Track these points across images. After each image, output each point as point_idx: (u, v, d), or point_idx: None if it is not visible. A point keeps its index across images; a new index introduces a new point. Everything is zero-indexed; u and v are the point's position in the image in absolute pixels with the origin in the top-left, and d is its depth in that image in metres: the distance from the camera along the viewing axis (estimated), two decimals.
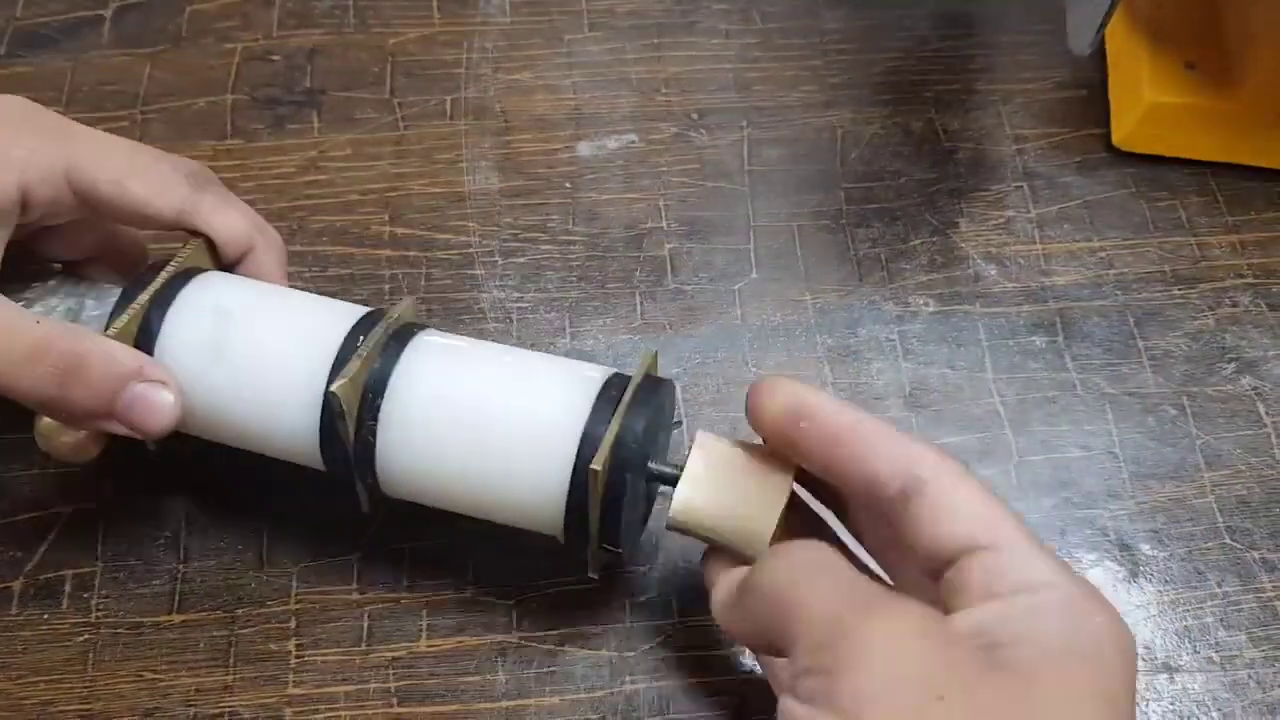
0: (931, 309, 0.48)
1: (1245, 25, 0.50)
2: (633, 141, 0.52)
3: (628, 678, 0.39)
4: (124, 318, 0.37)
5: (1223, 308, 0.48)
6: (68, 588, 0.41)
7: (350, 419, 0.36)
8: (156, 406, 0.36)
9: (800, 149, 0.52)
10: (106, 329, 0.37)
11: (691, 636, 0.40)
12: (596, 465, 0.34)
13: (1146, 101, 0.50)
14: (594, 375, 0.36)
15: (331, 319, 0.38)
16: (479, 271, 0.48)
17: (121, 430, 0.36)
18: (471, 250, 0.49)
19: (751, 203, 0.50)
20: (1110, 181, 0.51)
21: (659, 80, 0.54)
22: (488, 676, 0.39)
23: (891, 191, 0.51)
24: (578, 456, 0.35)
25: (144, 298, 0.38)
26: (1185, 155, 0.51)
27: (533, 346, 0.46)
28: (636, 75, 0.54)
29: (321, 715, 0.39)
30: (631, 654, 0.40)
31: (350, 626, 0.40)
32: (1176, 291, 0.48)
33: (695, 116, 0.53)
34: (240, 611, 0.41)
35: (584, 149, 0.52)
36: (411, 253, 0.49)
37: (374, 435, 0.36)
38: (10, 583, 0.41)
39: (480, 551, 0.42)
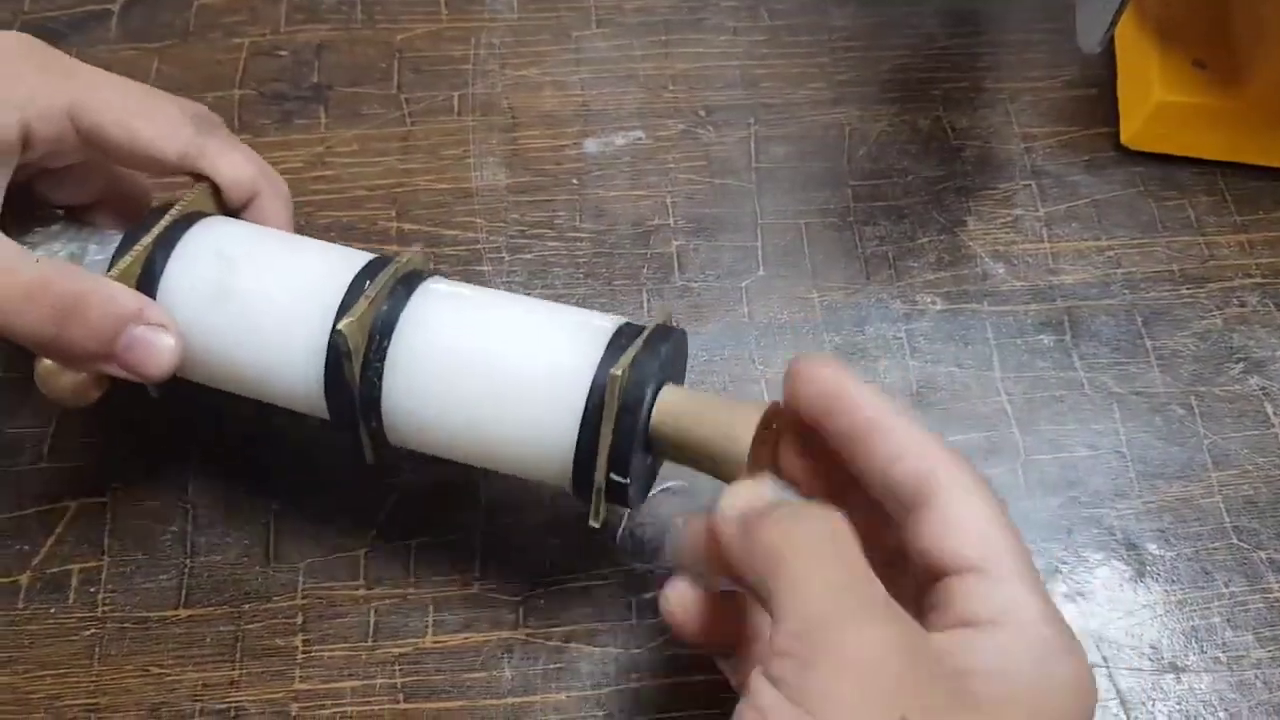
0: (939, 307, 0.47)
1: (1255, 24, 0.50)
2: (640, 138, 0.52)
3: (634, 675, 0.39)
4: (127, 259, 0.37)
5: (1231, 307, 0.48)
6: (74, 582, 0.41)
7: (356, 361, 0.35)
8: (156, 349, 0.36)
9: (808, 146, 0.52)
10: (109, 270, 0.37)
11: None
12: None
13: (1155, 100, 0.50)
14: (605, 324, 0.36)
15: (338, 264, 0.37)
16: (486, 268, 0.48)
17: (120, 373, 0.36)
18: (478, 246, 0.49)
19: (759, 200, 0.50)
20: (1118, 180, 0.51)
21: (666, 77, 0.54)
22: (494, 673, 0.39)
23: (899, 189, 0.51)
24: (590, 393, 0.34)
25: (147, 240, 0.37)
26: (1194, 154, 0.51)
27: None
28: (644, 72, 0.54)
29: (328, 711, 0.39)
30: (638, 651, 0.40)
31: (357, 622, 0.40)
32: (1184, 291, 0.48)
33: (703, 113, 0.53)
34: (247, 606, 0.41)
35: (591, 145, 0.52)
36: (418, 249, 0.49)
37: (380, 378, 0.36)
38: (17, 576, 0.41)
39: (487, 548, 0.42)
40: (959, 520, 0.30)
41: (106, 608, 0.41)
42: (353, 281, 0.36)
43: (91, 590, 0.41)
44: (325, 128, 0.52)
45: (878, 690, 0.26)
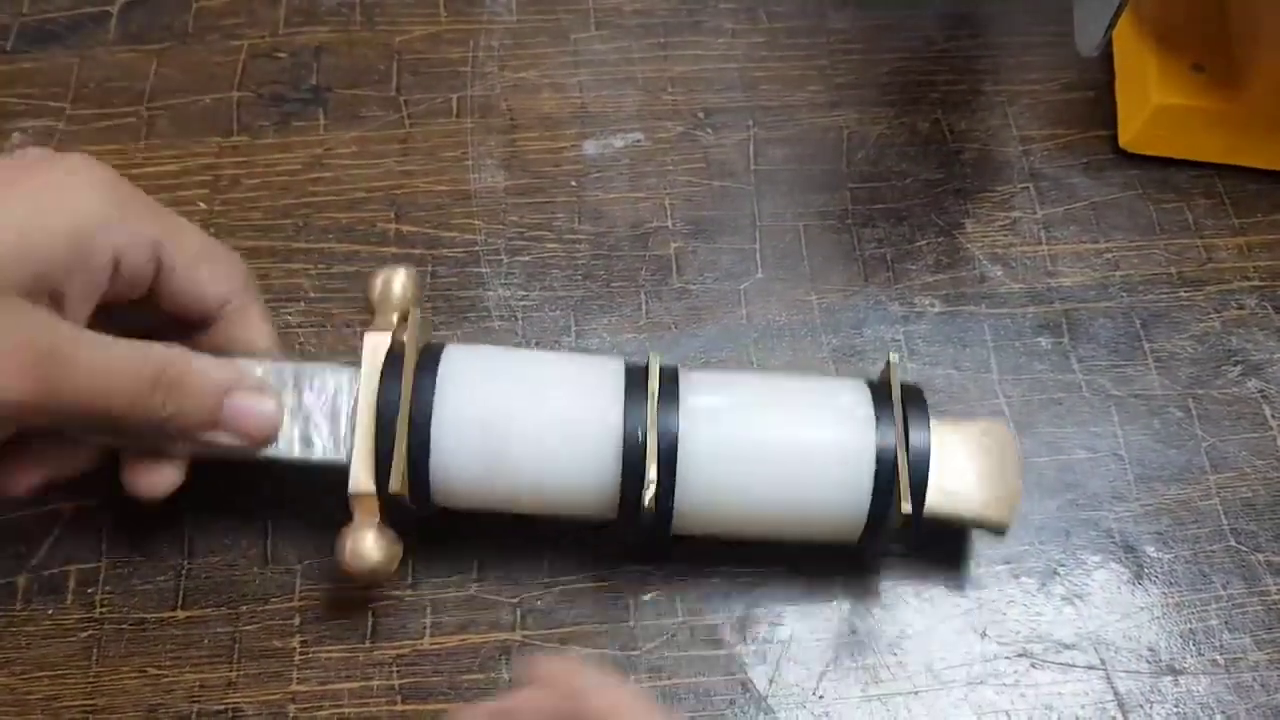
0: (937, 309, 0.47)
1: (1253, 27, 0.50)
2: (639, 140, 0.52)
3: (631, 677, 0.39)
4: (400, 463, 0.37)
5: (1229, 310, 0.48)
6: (72, 583, 0.41)
7: (652, 507, 0.37)
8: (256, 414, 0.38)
9: (806, 149, 0.52)
10: (389, 481, 0.37)
11: (695, 635, 0.40)
12: (906, 508, 0.37)
13: (1153, 103, 0.50)
14: (860, 399, 0.39)
15: (597, 398, 0.38)
16: (484, 270, 0.48)
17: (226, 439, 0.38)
18: (477, 248, 0.49)
19: (757, 202, 0.50)
20: (1117, 183, 0.51)
21: (665, 79, 0.54)
22: (491, 675, 0.39)
23: (897, 192, 0.51)
24: (876, 477, 0.37)
25: (401, 446, 0.37)
26: (1192, 157, 0.51)
27: (537, 344, 0.46)
28: (643, 74, 0.54)
29: (325, 712, 0.39)
30: (635, 653, 0.40)
31: (354, 623, 0.40)
32: (1183, 294, 0.48)
33: (701, 116, 0.53)
34: (244, 608, 0.41)
35: (590, 148, 0.52)
36: (417, 250, 0.49)
37: (671, 509, 0.38)
38: (14, 578, 0.41)
39: (484, 549, 0.42)
40: None
41: (104, 609, 0.41)
42: (627, 429, 0.37)
43: (89, 592, 0.41)
44: (324, 130, 0.52)
45: None
